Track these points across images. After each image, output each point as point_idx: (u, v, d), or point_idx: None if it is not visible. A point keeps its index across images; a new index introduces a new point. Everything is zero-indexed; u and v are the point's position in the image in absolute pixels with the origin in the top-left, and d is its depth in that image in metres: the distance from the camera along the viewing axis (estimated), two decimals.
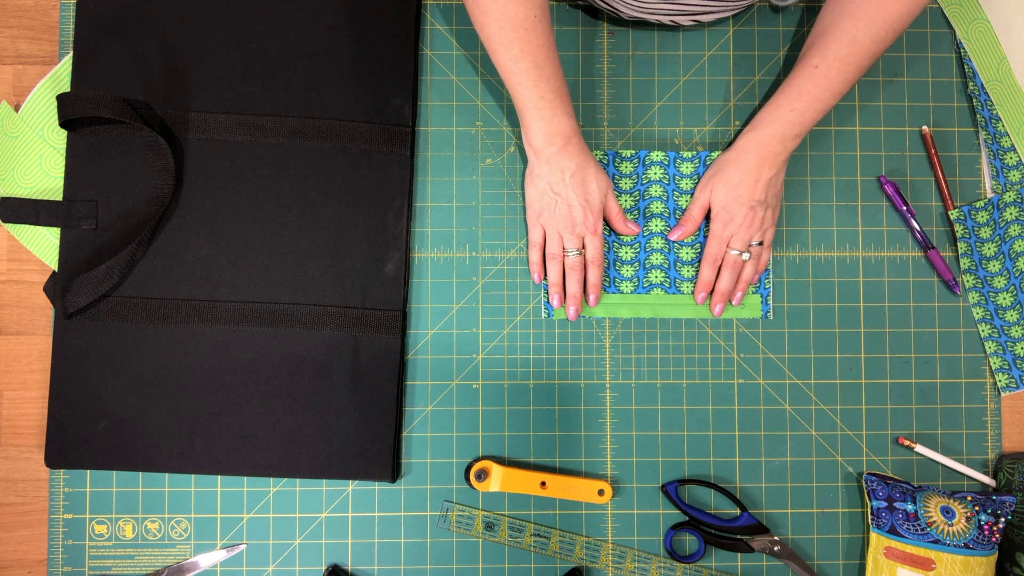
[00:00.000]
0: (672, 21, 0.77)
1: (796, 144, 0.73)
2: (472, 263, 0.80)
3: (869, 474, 0.77)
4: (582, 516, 0.78)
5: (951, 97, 0.81)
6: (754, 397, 0.79)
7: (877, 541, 0.76)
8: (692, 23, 0.78)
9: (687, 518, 0.77)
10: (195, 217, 0.77)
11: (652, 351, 0.79)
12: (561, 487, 0.77)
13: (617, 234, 0.79)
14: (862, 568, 0.78)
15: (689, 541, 0.78)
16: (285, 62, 0.78)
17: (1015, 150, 0.79)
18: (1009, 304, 0.79)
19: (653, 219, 0.79)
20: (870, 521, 0.76)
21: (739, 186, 0.74)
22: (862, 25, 0.68)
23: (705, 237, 0.79)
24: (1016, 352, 0.78)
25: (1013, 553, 0.75)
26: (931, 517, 0.74)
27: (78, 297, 0.74)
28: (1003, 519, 0.74)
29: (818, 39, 0.71)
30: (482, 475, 0.76)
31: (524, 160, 0.80)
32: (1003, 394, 0.79)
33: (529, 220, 0.77)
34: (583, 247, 0.75)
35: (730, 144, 0.77)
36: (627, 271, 0.79)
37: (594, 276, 0.76)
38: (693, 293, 0.78)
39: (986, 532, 0.73)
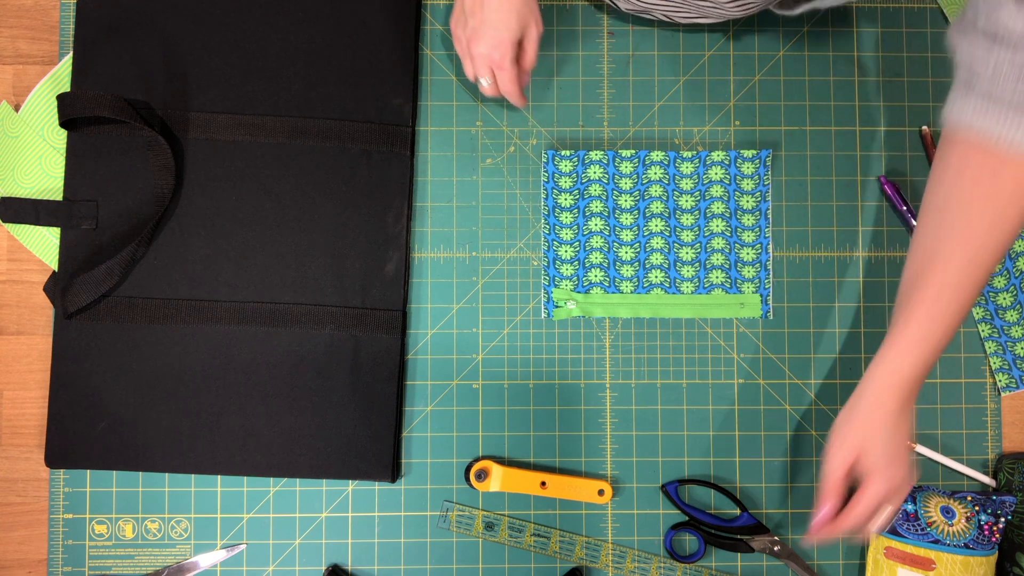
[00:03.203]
0: (667, 17, 0.77)
1: (926, 377, 0.66)
2: (472, 263, 0.80)
3: None
4: (582, 516, 0.78)
5: None
6: (754, 397, 0.79)
7: (877, 541, 0.76)
8: (689, 22, 0.78)
9: (687, 518, 0.77)
10: (195, 217, 0.77)
11: (652, 351, 0.79)
12: (561, 487, 0.77)
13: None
14: (862, 568, 0.78)
15: (689, 541, 0.78)
16: (285, 62, 0.78)
17: None
18: (1009, 304, 0.79)
19: (653, 219, 0.79)
20: None
21: (892, 448, 0.65)
22: (977, 243, 0.60)
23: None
24: (1016, 352, 0.78)
25: (1013, 553, 0.75)
26: (931, 517, 0.74)
27: (78, 297, 0.74)
28: (1003, 519, 0.74)
29: (927, 266, 0.62)
30: (482, 475, 0.76)
31: (524, 159, 0.80)
32: (1003, 394, 0.79)
33: (451, 21, 0.73)
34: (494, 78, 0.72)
35: (853, 396, 0.67)
36: (627, 271, 0.79)
37: (512, 100, 0.74)
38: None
39: (986, 532, 0.73)
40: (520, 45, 0.71)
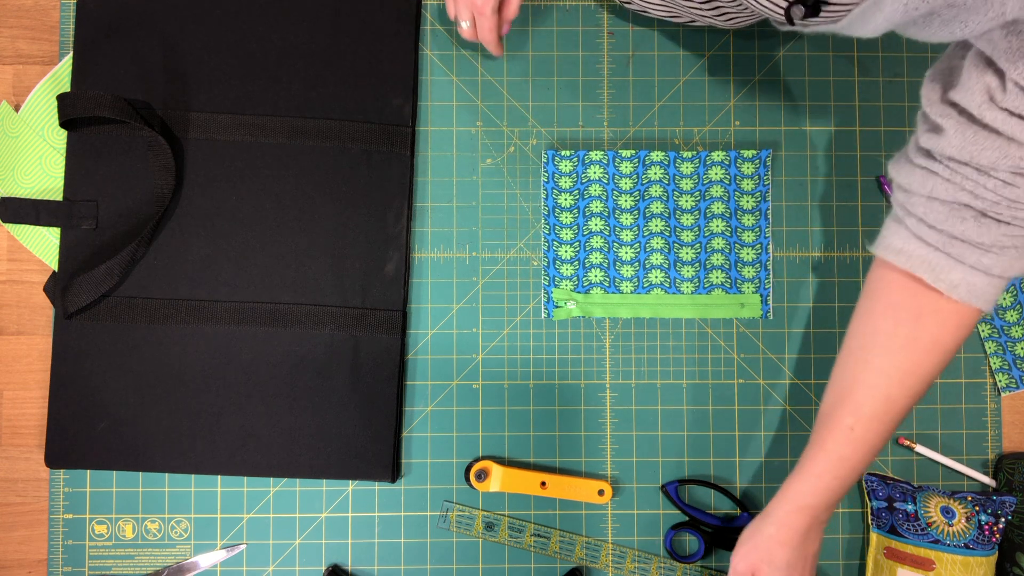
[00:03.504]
0: (667, 18, 0.77)
1: (837, 505, 0.68)
2: (472, 263, 0.80)
3: (869, 474, 0.77)
4: (582, 516, 0.78)
5: None
6: (754, 397, 0.79)
7: (877, 541, 0.76)
8: (686, 24, 0.78)
9: (687, 518, 0.77)
10: (195, 217, 0.77)
11: (652, 351, 0.79)
12: (561, 487, 0.77)
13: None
14: (862, 568, 0.78)
15: (689, 541, 0.78)
16: (285, 62, 0.78)
17: None
18: (1009, 304, 0.79)
19: (653, 219, 0.79)
20: (870, 521, 0.76)
21: (790, 570, 0.66)
22: (895, 382, 0.61)
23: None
24: (1016, 352, 0.78)
25: (1013, 553, 0.75)
26: (931, 517, 0.74)
27: (78, 297, 0.74)
28: (1003, 519, 0.74)
29: (846, 396, 0.63)
30: (482, 475, 0.76)
31: (524, 160, 0.80)
32: (1003, 394, 0.79)
33: None
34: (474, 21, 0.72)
35: (765, 510, 0.67)
36: (627, 271, 0.79)
37: (489, 48, 0.74)
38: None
39: (986, 532, 0.73)
40: None
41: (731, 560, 0.69)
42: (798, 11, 0.56)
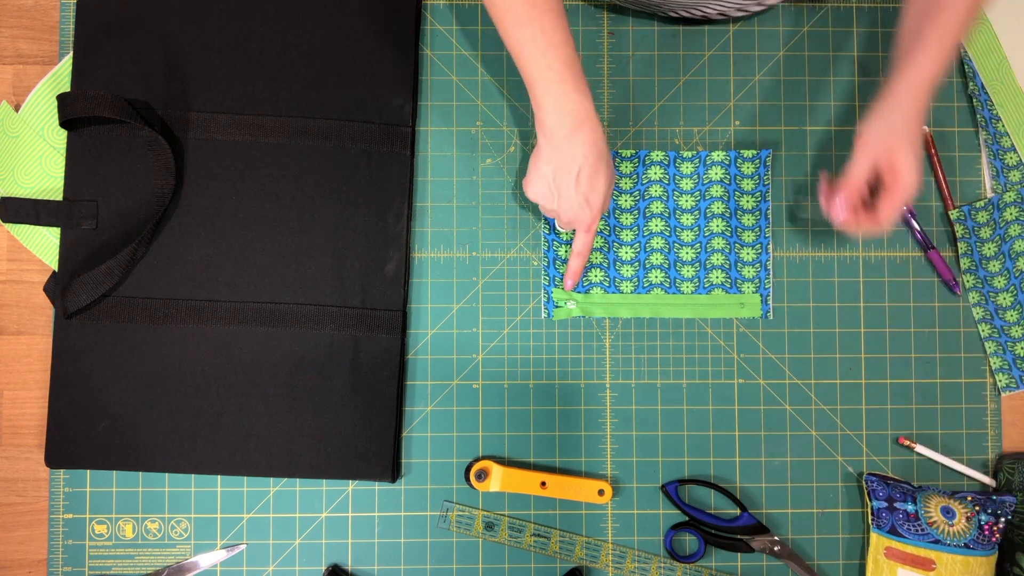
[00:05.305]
0: (677, 14, 0.77)
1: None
2: (472, 263, 0.80)
3: (869, 474, 0.77)
4: (582, 516, 0.78)
5: (951, 97, 0.81)
6: (754, 397, 0.79)
7: (877, 541, 0.76)
8: (701, 15, 0.78)
9: (687, 518, 0.77)
10: (195, 217, 0.77)
11: (652, 351, 0.79)
12: (561, 487, 0.77)
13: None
14: (862, 568, 0.78)
15: (689, 541, 0.78)
16: (285, 62, 0.78)
17: (1015, 150, 0.79)
18: (1009, 304, 0.79)
19: (653, 219, 0.79)
20: (870, 521, 0.76)
21: (917, 146, 0.68)
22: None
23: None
24: (1016, 352, 0.78)
25: (1013, 553, 0.75)
26: (931, 517, 0.74)
27: (78, 297, 0.74)
28: (1003, 519, 0.74)
29: (922, 23, 0.68)
30: (482, 475, 0.76)
31: (524, 160, 0.80)
32: (1003, 394, 0.79)
33: (527, 193, 0.71)
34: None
35: (885, 100, 0.69)
36: (627, 271, 0.79)
37: (575, 264, 0.75)
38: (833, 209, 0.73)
39: (986, 532, 0.73)
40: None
41: (860, 142, 0.70)
42: None
